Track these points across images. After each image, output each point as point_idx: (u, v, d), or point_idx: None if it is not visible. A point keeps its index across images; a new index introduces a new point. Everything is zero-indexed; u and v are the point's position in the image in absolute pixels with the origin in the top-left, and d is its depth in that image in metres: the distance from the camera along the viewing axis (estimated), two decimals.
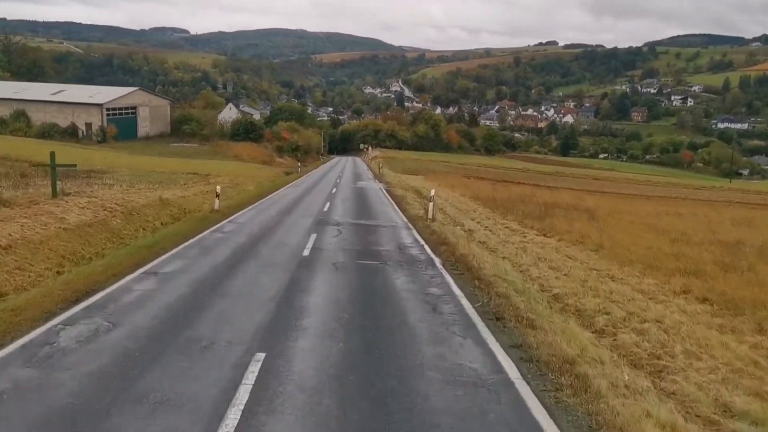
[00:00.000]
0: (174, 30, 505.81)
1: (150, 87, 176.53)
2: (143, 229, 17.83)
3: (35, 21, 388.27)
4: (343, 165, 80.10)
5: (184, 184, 32.50)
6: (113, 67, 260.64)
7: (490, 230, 23.66)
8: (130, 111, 73.87)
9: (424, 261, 14.65)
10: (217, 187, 23.50)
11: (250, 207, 25.20)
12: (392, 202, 31.43)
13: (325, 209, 25.75)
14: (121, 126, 70.80)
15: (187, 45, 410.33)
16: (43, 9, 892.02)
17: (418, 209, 27.68)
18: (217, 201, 22.97)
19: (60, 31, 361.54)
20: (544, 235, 22.84)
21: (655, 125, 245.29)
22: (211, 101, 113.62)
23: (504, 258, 15.73)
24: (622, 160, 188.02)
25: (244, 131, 74.77)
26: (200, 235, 16.85)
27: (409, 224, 22.07)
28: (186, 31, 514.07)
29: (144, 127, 75.55)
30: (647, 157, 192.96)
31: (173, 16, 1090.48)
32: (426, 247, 16.76)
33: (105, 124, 68.96)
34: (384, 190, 39.80)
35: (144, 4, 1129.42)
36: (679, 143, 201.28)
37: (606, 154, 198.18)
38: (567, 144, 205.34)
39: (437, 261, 14.63)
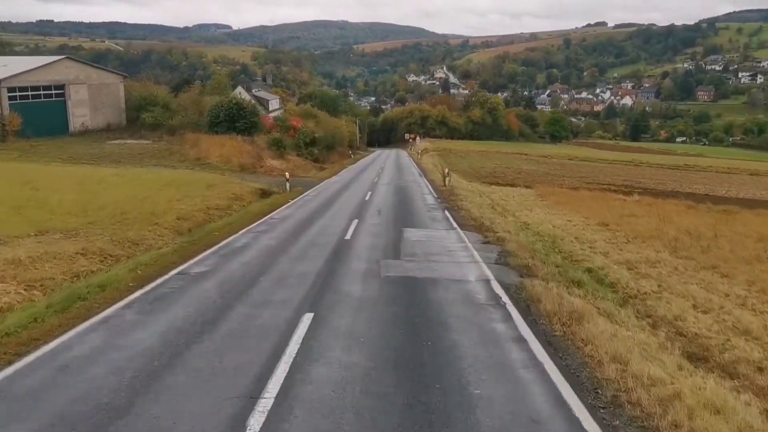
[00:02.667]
0: (217, 26, 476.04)
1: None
2: None
3: (81, 22, 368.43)
4: (380, 166, 50.04)
5: None
6: (152, 62, 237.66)
7: None
8: (54, 92, 44.95)
9: None
10: None
11: None
12: None
13: None
14: (39, 114, 42.05)
15: (229, 40, 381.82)
16: (89, 10, 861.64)
17: None
18: None
19: (105, 31, 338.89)
20: None
21: (723, 104, 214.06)
22: (221, 86, 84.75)
23: None
24: (702, 144, 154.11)
25: (228, 118, 44.90)
26: None
27: None
28: (228, 27, 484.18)
29: (81, 117, 46.23)
30: (731, 139, 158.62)
31: (215, 12, 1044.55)
32: None
33: (6, 111, 40.54)
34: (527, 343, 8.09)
35: (187, 1, 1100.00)
36: (764, 123, 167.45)
37: (684, 138, 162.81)
38: (637, 128, 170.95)
39: None
